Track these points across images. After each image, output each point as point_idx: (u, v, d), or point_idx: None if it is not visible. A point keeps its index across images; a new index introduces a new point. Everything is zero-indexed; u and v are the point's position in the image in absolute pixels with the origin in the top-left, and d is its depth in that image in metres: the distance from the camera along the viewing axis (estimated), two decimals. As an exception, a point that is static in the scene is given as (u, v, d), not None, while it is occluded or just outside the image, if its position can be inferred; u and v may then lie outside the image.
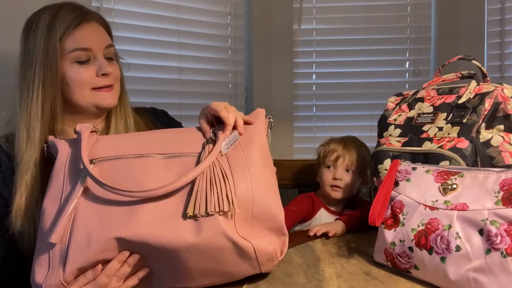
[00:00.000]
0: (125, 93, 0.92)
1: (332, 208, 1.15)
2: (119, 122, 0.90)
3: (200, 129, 0.75)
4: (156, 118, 0.98)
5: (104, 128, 0.91)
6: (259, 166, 0.70)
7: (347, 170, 1.11)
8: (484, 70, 0.96)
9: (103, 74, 0.82)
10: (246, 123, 0.76)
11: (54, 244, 0.60)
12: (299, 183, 1.40)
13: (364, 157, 1.12)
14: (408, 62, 1.76)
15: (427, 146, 0.87)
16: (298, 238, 0.96)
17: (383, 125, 1.03)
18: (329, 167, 1.13)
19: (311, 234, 0.97)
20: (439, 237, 0.64)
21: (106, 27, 0.88)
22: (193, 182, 0.65)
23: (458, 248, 0.62)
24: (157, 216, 0.62)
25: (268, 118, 0.78)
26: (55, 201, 0.64)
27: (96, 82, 0.82)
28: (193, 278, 0.65)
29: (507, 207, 0.60)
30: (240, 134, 0.73)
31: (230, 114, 0.72)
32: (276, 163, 1.47)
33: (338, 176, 1.10)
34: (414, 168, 0.78)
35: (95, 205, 0.63)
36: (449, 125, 0.87)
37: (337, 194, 1.11)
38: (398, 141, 0.95)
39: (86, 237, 0.61)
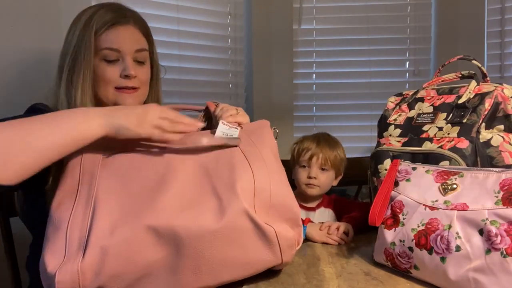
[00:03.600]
0: (159, 99, 0.97)
1: (307, 205, 1.15)
2: None
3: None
4: None
5: None
6: (273, 162, 0.74)
7: (322, 169, 1.11)
8: (484, 70, 0.97)
9: (126, 76, 0.85)
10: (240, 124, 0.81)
11: (72, 231, 0.59)
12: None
13: (338, 154, 1.13)
14: (408, 62, 1.76)
15: (427, 146, 0.87)
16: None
17: (383, 125, 1.03)
18: (304, 166, 1.13)
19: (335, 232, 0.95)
20: (439, 237, 0.64)
21: (144, 31, 0.91)
22: (206, 168, 0.69)
23: (458, 248, 0.62)
24: (178, 204, 0.63)
25: (274, 129, 0.82)
26: (71, 193, 0.64)
27: (119, 82, 0.85)
28: (214, 274, 0.64)
29: (507, 207, 0.60)
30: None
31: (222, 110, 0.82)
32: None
33: (313, 174, 1.10)
34: (414, 168, 0.78)
35: (116, 193, 0.63)
36: (449, 125, 0.87)
37: (313, 191, 1.12)
38: (398, 141, 0.95)
39: (110, 225, 0.60)
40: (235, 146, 0.73)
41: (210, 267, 0.63)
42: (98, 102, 0.87)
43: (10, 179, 0.58)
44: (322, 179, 1.11)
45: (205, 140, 0.72)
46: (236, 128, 0.77)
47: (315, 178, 1.10)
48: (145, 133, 0.67)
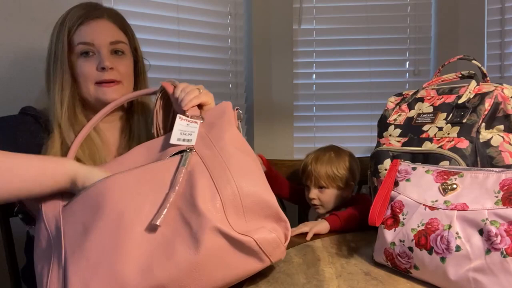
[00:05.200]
0: (148, 96, 0.94)
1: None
2: (141, 123, 0.92)
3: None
4: None
5: (126, 129, 0.93)
6: (236, 158, 0.68)
7: (320, 187, 1.12)
8: (484, 70, 0.96)
9: (102, 68, 0.84)
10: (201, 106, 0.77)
11: None
12: (298, 183, 1.40)
13: (334, 171, 1.11)
14: (408, 62, 1.76)
15: (427, 146, 0.87)
16: (298, 238, 0.96)
17: (383, 125, 1.03)
18: (307, 186, 1.15)
19: (292, 234, 0.97)
20: (439, 237, 0.64)
21: (120, 24, 0.90)
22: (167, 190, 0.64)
23: (458, 248, 0.62)
24: (147, 245, 0.60)
25: (236, 109, 0.76)
26: (47, 254, 0.63)
27: (97, 76, 0.85)
28: None
29: (507, 207, 0.60)
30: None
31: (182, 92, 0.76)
32: (276, 163, 1.47)
33: (311, 196, 1.12)
34: (414, 168, 0.78)
35: (82, 248, 0.60)
36: (449, 125, 0.87)
37: (320, 211, 1.14)
38: (398, 141, 0.95)
39: (83, 285, 0.58)
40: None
41: None
42: (83, 101, 0.87)
43: None
44: (323, 198, 1.12)
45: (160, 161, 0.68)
46: (196, 123, 0.72)
47: (314, 198, 1.12)
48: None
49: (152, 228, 0.61)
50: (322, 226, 0.98)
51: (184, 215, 0.62)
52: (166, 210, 0.61)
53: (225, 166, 0.66)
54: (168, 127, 0.80)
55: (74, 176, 0.66)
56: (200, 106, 0.77)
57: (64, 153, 0.81)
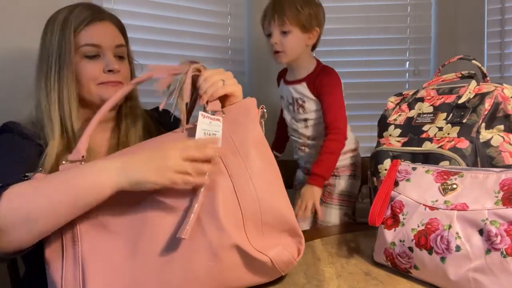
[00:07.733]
0: (136, 95, 0.95)
1: (290, 79, 1.18)
2: (129, 124, 0.91)
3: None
4: (161, 117, 0.99)
5: (115, 132, 0.92)
6: (260, 169, 0.66)
7: (283, 32, 1.07)
8: (484, 70, 0.97)
9: (109, 70, 0.84)
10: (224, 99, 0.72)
11: None
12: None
13: (298, 9, 1.06)
14: (408, 62, 1.76)
15: (427, 146, 0.87)
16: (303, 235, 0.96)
17: (383, 125, 1.03)
18: (269, 35, 1.10)
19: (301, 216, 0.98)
20: (439, 237, 0.64)
21: (121, 28, 0.91)
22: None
23: (458, 248, 0.62)
24: (165, 255, 0.60)
25: (261, 108, 0.73)
26: (57, 251, 0.61)
27: (102, 77, 0.84)
28: None
29: (507, 207, 0.60)
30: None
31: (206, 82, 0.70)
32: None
33: (273, 40, 1.08)
34: (414, 168, 0.78)
35: (102, 250, 0.60)
36: (449, 125, 0.87)
37: (281, 59, 1.11)
38: (398, 141, 0.95)
39: (105, 286, 0.58)
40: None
41: None
42: (81, 100, 0.85)
43: (30, 244, 0.60)
44: (285, 42, 1.08)
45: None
46: (219, 120, 0.67)
47: (276, 43, 1.07)
48: (167, 182, 0.60)
49: (175, 238, 0.60)
50: (318, 194, 0.98)
51: (204, 227, 0.61)
52: (191, 222, 0.58)
53: (249, 178, 0.64)
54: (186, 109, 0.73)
55: (118, 187, 0.60)
56: (225, 97, 0.74)
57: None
